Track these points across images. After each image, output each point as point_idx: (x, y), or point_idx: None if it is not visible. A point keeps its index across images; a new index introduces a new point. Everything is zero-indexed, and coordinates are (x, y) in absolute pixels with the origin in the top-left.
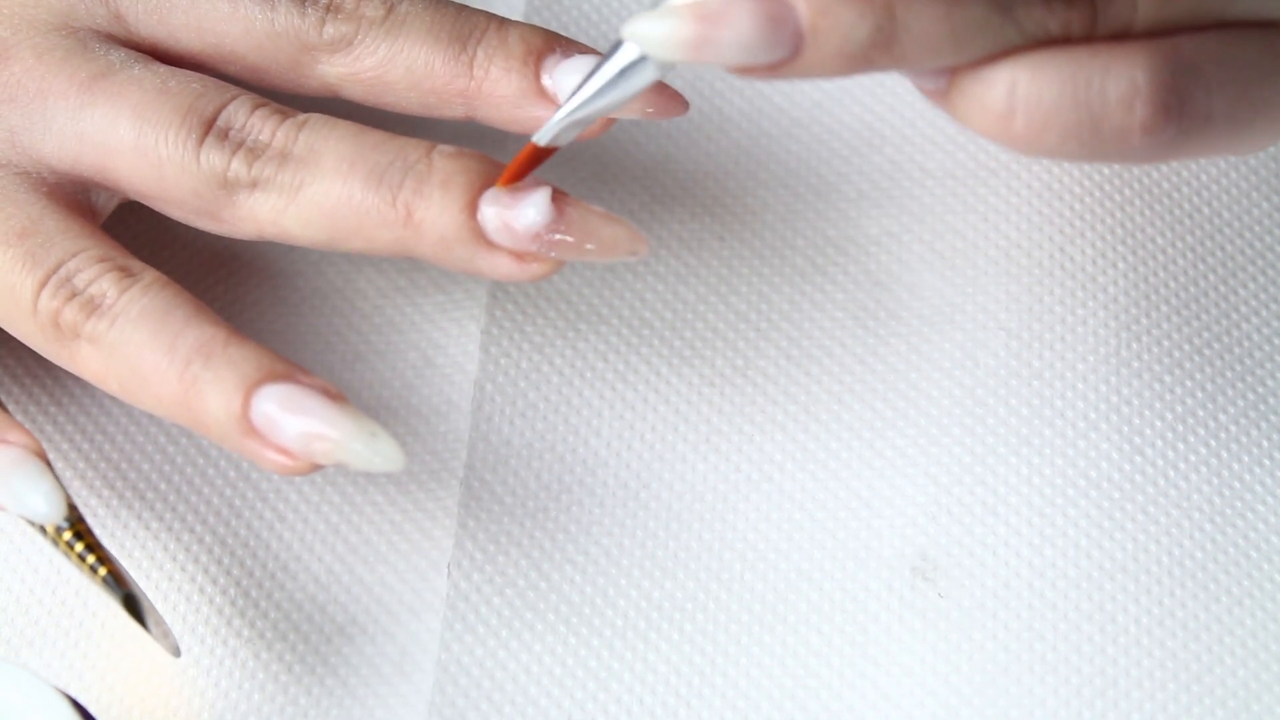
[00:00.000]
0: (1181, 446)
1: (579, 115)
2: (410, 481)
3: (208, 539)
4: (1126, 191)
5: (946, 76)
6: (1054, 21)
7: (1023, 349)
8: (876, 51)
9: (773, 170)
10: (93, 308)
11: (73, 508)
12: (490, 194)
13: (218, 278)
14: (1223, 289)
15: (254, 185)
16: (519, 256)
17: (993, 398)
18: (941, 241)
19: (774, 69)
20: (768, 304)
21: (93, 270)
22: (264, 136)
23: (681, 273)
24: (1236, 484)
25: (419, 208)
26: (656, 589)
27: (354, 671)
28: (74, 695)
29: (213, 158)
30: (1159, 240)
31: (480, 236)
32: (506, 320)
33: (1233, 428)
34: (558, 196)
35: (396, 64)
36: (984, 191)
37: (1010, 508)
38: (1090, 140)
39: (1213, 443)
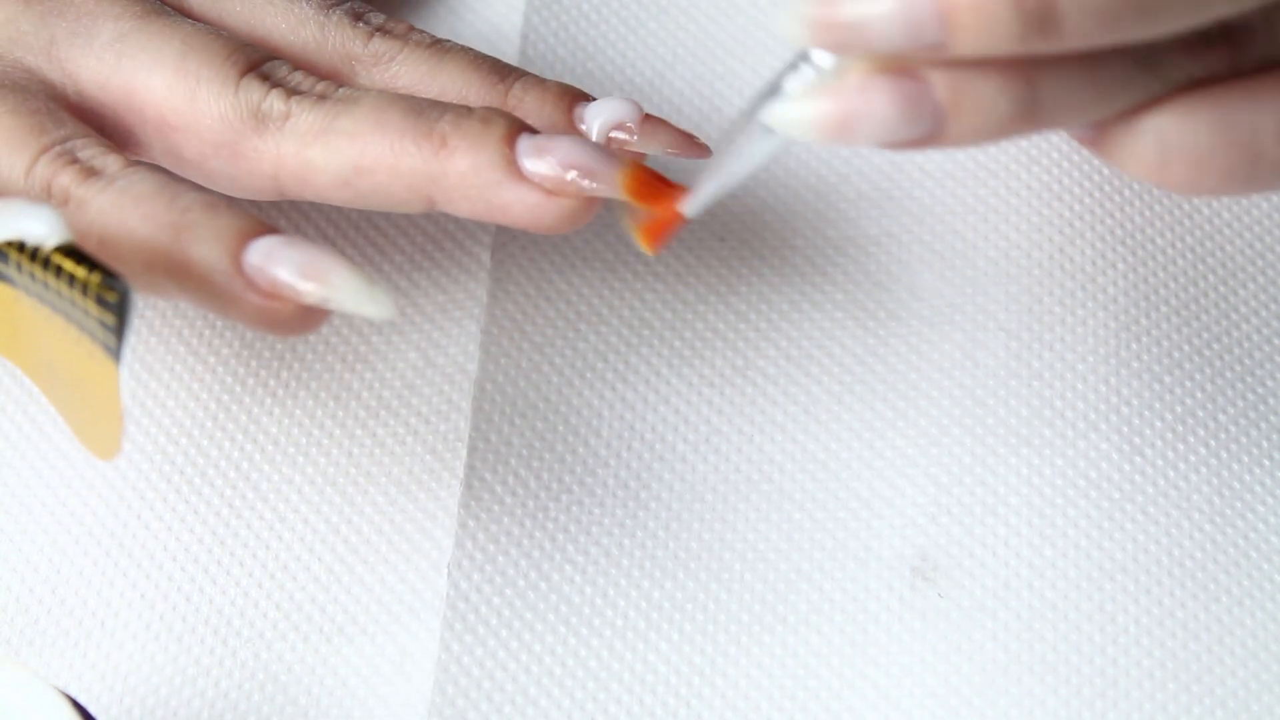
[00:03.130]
0: (1181, 446)
1: (721, 191)
2: (410, 481)
3: (208, 539)
4: (1126, 192)
5: (1094, 125)
6: (1196, 66)
7: (1023, 349)
8: (1018, 122)
9: (773, 170)
10: (91, 174)
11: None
12: (527, 135)
13: None
14: (1223, 289)
15: (285, 118)
16: (549, 192)
17: (993, 398)
18: (941, 242)
19: (918, 144)
20: (768, 304)
21: (98, 149)
22: (304, 85)
23: (681, 273)
24: (1236, 484)
25: (454, 136)
26: (656, 589)
27: (354, 671)
28: (74, 695)
29: (251, 89)
30: (1159, 240)
31: (513, 164)
32: (506, 320)
33: (1233, 428)
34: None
35: (435, 81)
36: (984, 192)
37: (1010, 508)
38: (1251, 176)
39: (1213, 443)
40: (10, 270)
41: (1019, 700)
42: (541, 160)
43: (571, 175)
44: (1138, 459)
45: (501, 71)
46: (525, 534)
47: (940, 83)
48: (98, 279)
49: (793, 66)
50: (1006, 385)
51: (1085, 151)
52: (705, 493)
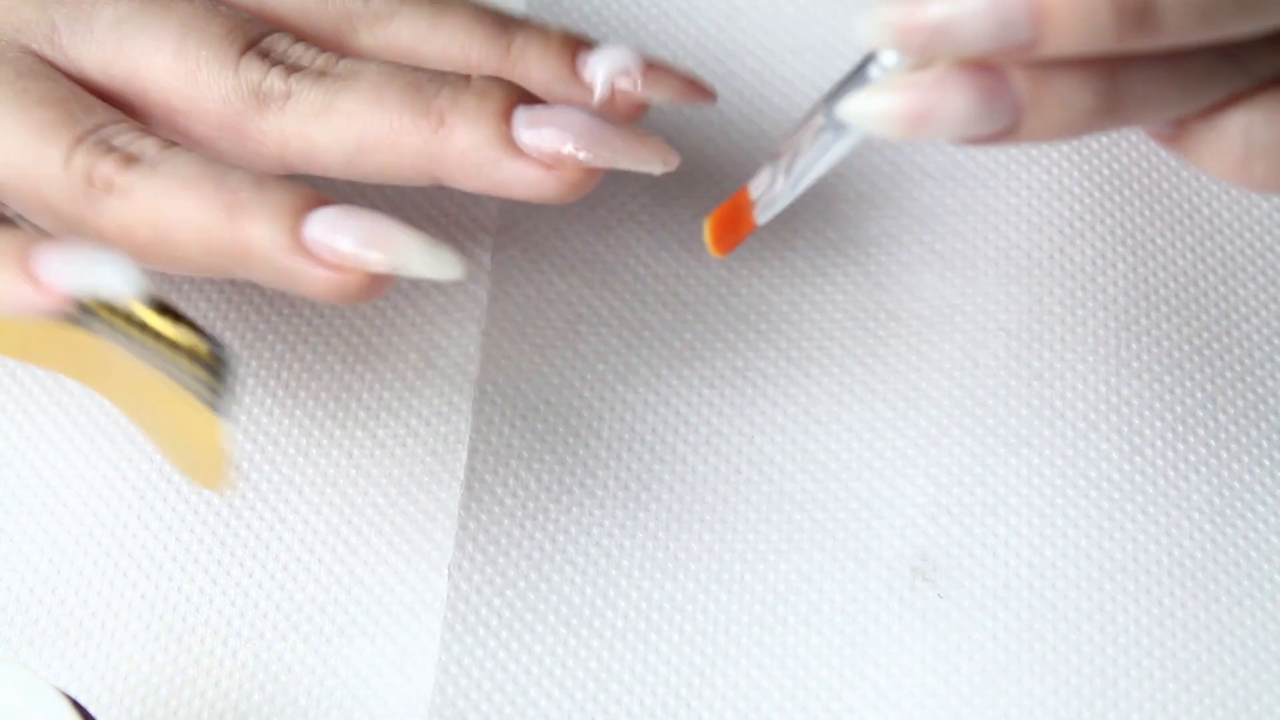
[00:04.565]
0: (1181, 446)
1: (793, 195)
2: (410, 482)
3: (208, 539)
4: (1126, 192)
5: (1174, 122)
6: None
7: (1023, 349)
8: (1100, 117)
9: None
10: (130, 160)
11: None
12: (524, 107)
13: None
14: (1223, 289)
15: (286, 97)
16: (549, 165)
17: (993, 398)
18: (941, 242)
19: (995, 138)
20: (768, 305)
21: (133, 134)
22: (304, 60)
23: (681, 274)
24: (1236, 484)
25: (451, 113)
26: (656, 589)
27: (354, 671)
28: (74, 695)
29: (251, 69)
30: (1159, 240)
31: (510, 142)
32: (506, 320)
33: (1233, 428)
34: (592, 112)
35: (436, 37)
36: (984, 192)
37: (1010, 508)
38: None
39: (1213, 443)
40: (92, 321)
41: (1019, 700)
42: (539, 133)
43: (568, 148)
44: (1138, 459)
45: (503, 24)
46: (525, 534)
47: (1020, 77)
48: (189, 339)
49: (860, 68)
50: (1006, 385)
51: (1085, 151)
52: (705, 493)
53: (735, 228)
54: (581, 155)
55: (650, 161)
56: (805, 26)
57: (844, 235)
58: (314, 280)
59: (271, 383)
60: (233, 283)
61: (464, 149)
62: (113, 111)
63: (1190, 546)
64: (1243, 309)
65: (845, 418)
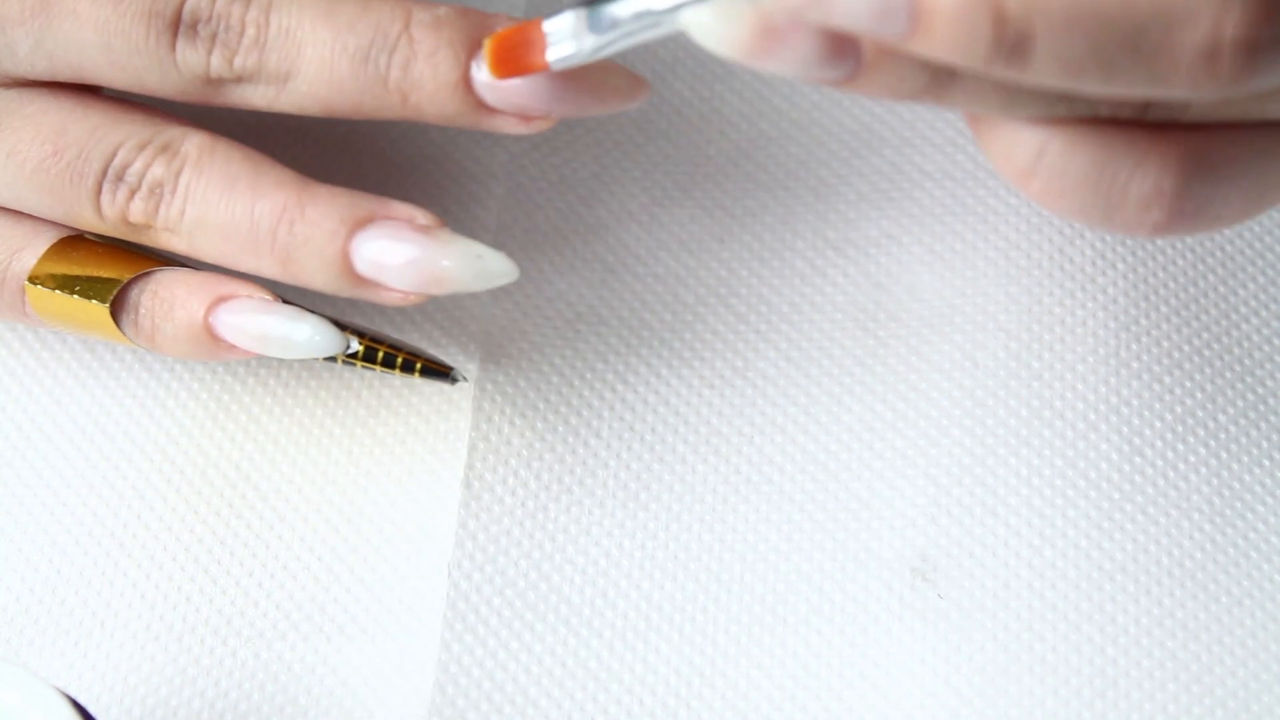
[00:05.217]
0: (1181, 447)
1: (606, 52)
2: (410, 481)
3: (208, 539)
4: None
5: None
6: (1104, 107)
7: (1022, 349)
8: (924, 97)
9: (772, 172)
10: (156, 197)
11: (342, 325)
12: (477, 62)
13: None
14: (1223, 289)
15: (239, 80)
16: (523, 118)
17: (992, 398)
18: (941, 243)
19: (823, 83)
20: (767, 305)
21: (139, 161)
22: (234, 23)
23: (681, 274)
24: (1236, 484)
25: (413, 91)
26: (656, 589)
27: (354, 671)
28: (74, 695)
29: (189, 57)
30: (1159, 240)
31: (480, 106)
32: (506, 321)
33: (1233, 428)
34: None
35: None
36: (983, 193)
37: (1010, 508)
38: (1100, 220)
39: (1213, 443)
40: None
41: (1019, 700)
42: (502, 99)
43: (539, 112)
44: (1138, 459)
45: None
46: (525, 534)
47: (868, 45)
48: (415, 368)
49: None
50: (1006, 385)
51: None
52: (705, 493)
53: (520, 60)
54: (554, 114)
55: (619, 103)
56: None
57: (843, 237)
58: (389, 300)
59: (271, 382)
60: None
61: (439, 119)
62: (101, 135)
63: (1190, 546)
64: (1243, 309)
65: (845, 418)
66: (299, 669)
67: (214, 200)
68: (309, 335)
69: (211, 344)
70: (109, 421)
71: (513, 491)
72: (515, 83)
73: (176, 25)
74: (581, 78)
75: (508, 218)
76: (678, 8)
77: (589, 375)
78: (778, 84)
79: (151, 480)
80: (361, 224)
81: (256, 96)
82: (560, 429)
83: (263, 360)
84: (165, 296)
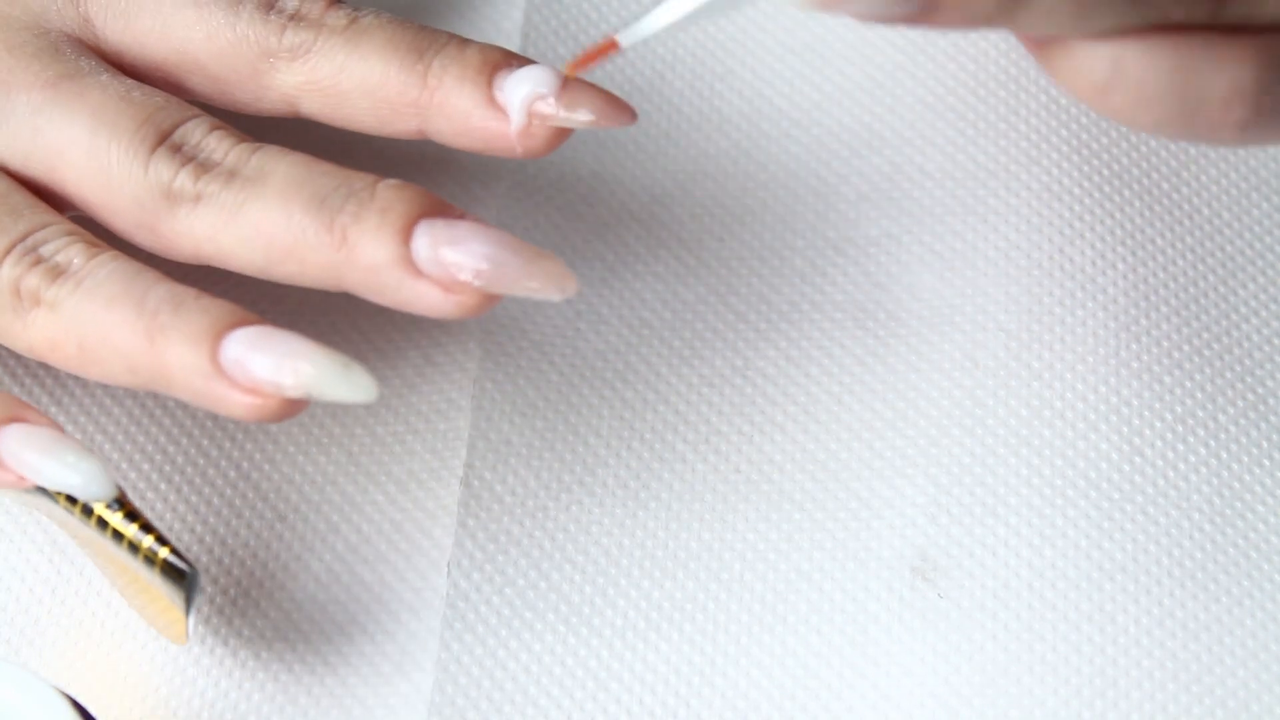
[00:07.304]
0: (1181, 447)
1: (671, 20)
2: (410, 481)
3: (208, 539)
4: (1126, 192)
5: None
6: (1179, 9)
7: (1023, 349)
8: (998, 19)
9: (772, 171)
10: (58, 273)
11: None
12: (425, 224)
13: (217, 276)
14: (1223, 289)
15: (197, 200)
16: (446, 288)
17: (992, 398)
18: (941, 243)
19: (900, 20)
20: (767, 304)
21: (60, 241)
22: (216, 155)
23: (681, 273)
24: (1236, 484)
25: (354, 232)
26: (656, 588)
27: (354, 671)
28: (74, 695)
29: (161, 168)
30: (1159, 240)
31: (409, 264)
32: (506, 319)
33: (1233, 428)
34: (493, 234)
35: (352, 72)
36: (983, 193)
37: (1010, 508)
38: (1183, 127)
39: (1213, 443)
40: (51, 504)
41: (1019, 700)
42: (438, 257)
43: (465, 276)
44: (1138, 459)
45: (419, 47)
46: (525, 533)
47: None
48: (147, 546)
49: None
50: (1006, 385)
51: (1085, 152)
52: (705, 493)
53: (593, 52)
54: (478, 283)
55: (547, 290)
56: (805, 26)
57: (843, 236)
58: (233, 404)
59: None
60: (231, 282)
61: (365, 269)
62: (39, 211)
63: (1190, 546)
64: (1243, 309)
65: (845, 418)
66: (299, 669)
67: (109, 286)
68: (80, 481)
69: None
70: (109, 422)
71: (512, 491)
72: (456, 242)
73: (164, 138)
74: (517, 256)
75: (508, 217)
76: None
77: (589, 375)
78: (778, 84)
79: (151, 480)
80: (244, 323)
81: (205, 223)
82: (560, 428)
83: None
84: None
